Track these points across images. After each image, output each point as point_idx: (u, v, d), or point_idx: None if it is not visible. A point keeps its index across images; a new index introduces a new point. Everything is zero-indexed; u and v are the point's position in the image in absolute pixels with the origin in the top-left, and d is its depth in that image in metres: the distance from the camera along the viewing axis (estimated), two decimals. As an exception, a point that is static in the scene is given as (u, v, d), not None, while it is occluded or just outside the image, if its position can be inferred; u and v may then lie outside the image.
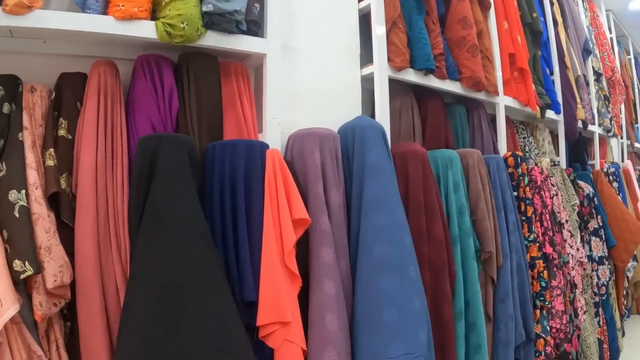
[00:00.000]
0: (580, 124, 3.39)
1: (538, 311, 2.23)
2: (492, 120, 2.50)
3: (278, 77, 1.60)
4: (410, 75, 2.01)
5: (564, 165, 3.10)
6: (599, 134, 3.86)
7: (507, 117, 2.73)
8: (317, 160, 1.53)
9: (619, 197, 3.44)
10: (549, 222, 2.36)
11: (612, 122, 4.04)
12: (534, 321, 2.15)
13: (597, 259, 3.03)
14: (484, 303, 1.94)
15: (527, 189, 2.29)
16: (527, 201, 2.28)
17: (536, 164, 2.87)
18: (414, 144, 1.88)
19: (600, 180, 3.47)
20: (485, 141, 2.33)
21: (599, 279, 3.00)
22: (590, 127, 3.65)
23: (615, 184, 3.81)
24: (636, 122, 5.17)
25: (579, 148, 3.59)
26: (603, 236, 3.11)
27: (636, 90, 5.30)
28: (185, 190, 1.25)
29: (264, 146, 1.47)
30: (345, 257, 1.49)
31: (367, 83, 1.92)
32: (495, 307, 1.97)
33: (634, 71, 5.41)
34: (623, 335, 3.48)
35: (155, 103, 1.39)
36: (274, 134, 1.57)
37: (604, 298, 3.01)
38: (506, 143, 2.60)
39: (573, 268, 2.61)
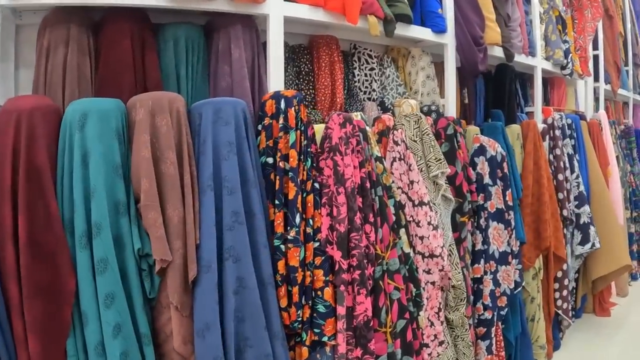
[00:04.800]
0: (500, 53, 2.31)
1: (306, 350, 1.30)
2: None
3: None
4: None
5: (452, 112, 2.05)
6: (546, 69, 2.75)
7: (330, 39, 1.71)
8: None
9: (546, 162, 2.39)
10: (344, 208, 1.37)
11: (572, 56, 2.90)
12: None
13: (497, 256, 2.02)
14: (176, 333, 1.19)
15: (293, 152, 1.30)
16: (290, 173, 1.29)
17: (387, 110, 1.85)
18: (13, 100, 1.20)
19: (530, 137, 2.40)
20: (236, 78, 1.43)
21: (497, 285, 2.00)
22: (528, 60, 2.55)
23: (569, 141, 2.72)
24: (626, 65, 3.91)
25: (503, 88, 2.50)
26: (512, 222, 2.09)
27: (628, 27, 4.00)
28: None
29: None
30: None
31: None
32: (195, 344, 1.19)
33: (627, 2, 4.08)
34: (556, 348, 2.49)
35: None
36: None
37: (503, 313, 2.03)
38: (317, 79, 1.59)
39: (430, 272, 1.64)
